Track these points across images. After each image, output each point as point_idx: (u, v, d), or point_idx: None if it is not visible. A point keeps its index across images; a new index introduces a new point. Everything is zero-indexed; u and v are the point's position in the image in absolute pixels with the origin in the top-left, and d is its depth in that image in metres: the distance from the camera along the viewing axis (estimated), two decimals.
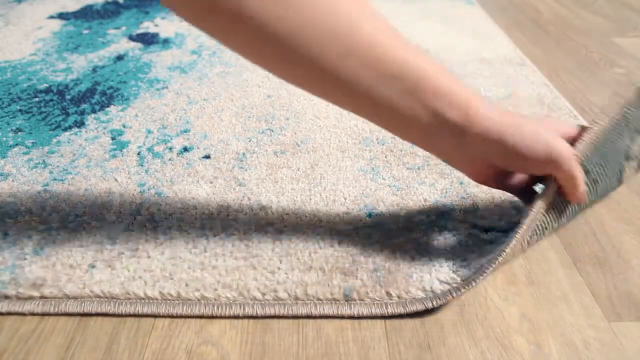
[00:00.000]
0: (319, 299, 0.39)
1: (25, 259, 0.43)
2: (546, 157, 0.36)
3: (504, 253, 0.38)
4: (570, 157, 0.36)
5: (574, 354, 0.36)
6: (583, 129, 0.40)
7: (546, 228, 0.41)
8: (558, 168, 0.36)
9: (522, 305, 0.39)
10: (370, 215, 0.47)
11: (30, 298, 0.40)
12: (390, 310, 0.38)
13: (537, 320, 0.38)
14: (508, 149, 0.36)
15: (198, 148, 0.58)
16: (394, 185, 0.51)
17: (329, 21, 0.32)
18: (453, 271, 0.40)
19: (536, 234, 0.41)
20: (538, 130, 0.36)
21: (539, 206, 0.38)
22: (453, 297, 0.38)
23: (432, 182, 0.52)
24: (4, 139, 0.60)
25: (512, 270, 0.42)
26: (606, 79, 0.75)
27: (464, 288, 0.38)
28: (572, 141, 0.39)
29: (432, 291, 0.39)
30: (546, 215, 0.40)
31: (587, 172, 0.39)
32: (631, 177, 0.46)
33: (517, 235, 0.38)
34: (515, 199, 0.47)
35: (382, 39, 0.34)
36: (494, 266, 0.38)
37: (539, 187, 0.42)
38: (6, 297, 0.40)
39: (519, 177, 0.42)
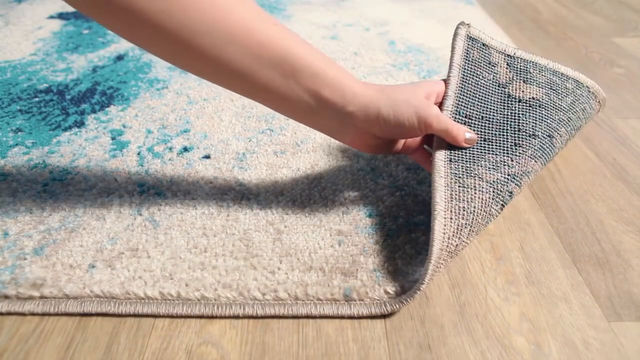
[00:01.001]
0: (319, 299, 0.39)
1: (25, 259, 0.43)
2: (418, 122, 0.40)
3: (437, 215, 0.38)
4: (437, 115, 0.40)
5: (574, 354, 0.36)
6: (445, 82, 0.45)
7: (469, 173, 0.41)
8: (431, 127, 0.41)
9: (522, 305, 0.39)
10: (370, 215, 0.47)
11: (30, 298, 0.40)
12: (390, 309, 0.38)
13: (537, 320, 0.38)
14: (384, 120, 0.40)
15: (198, 148, 0.58)
16: (394, 185, 0.51)
17: (209, 13, 0.35)
18: None
19: (467, 184, 0.40)
20: (408, 98, 0.40)
21: (437, 159, 0.41)
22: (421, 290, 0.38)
23: (432, 181, 0.52)
24: (4, 139, 0.60)
25: (512, 270, 0.42)
26: (606, 79, 0.75)
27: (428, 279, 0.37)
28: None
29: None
30: (451, 164, 0.41)
31: (467, 115, 0.44)
32: (521, 92, 0.46)
33: (434, 192, 0.39)
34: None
35: (260, 26, 0.37)
36: (436, 238, 0.37)
37: (427, 147, 0.46)
38: (6, 297, 0.40)
39: (410, 141, 0.47)
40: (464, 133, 0.42)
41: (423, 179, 0.52)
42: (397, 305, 0.38)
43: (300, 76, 0.38)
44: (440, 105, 0.44)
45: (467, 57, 0.46)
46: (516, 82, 0.46)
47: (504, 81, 0.46)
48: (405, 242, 0.44)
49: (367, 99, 0.40)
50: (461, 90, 0.45)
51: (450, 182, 0.40)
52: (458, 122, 0.43)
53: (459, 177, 0.40)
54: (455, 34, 0.47)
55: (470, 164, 0.41)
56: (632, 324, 0.38)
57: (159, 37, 0.35)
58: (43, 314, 0.39)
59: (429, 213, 0.47)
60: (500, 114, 0.44)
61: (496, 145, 0.42)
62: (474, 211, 0.38)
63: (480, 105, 0.45)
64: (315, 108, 0.40)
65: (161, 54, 0.38)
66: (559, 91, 0.46)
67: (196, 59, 0.37)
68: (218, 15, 0.35)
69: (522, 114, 0.44)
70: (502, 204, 0.39)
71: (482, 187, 0.39)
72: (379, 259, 0.42)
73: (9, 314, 0.39)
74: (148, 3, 0.33)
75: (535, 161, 0.41)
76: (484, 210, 0.39)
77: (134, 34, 0.36)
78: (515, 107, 0.44)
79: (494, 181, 0.40)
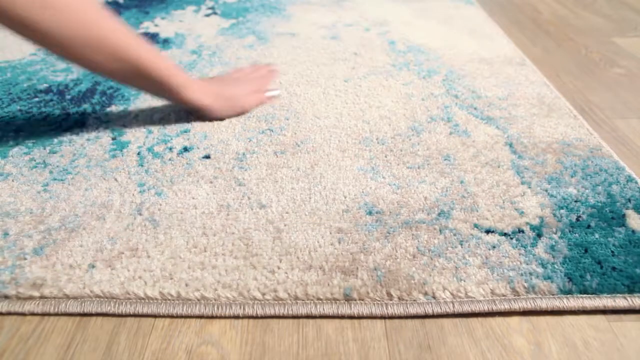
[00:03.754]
0: (319, 299, 0.39)
1: (25, 259, 0.43)
2: (242, 113, 0.65)
3: None
4: (252, 107, 0.65)
5: (574, 354, 0.36)
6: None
7: None
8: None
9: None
10: (370, 213, 0.47)
11: (30, 298, 0.40)
12: (391, 311, 0.38)
13: (537, 320, 0.38)
14: (215, 112, 0.62)
15: (198, 148, 0.58)
16: (394, 184, 0.51)
17: (80, 27, 0.47)
18: (457, 279, 0.40)
19: None
20: (233, 95, 0.64)
21: None
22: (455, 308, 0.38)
23: (432, 180, 0.52)
24: (4, 139, 0.60)
25: None
26: (606, 79, 0.75)
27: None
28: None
29: (434, 297, 0.39)
30: None
31: None
32: None
33: None
34: (516, 199, 0.47)
35: (123, 41, 0.51)
36: None
37: None
38: (6, 297, 0.40)
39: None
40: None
41: (424, 177, 0.52)
42: (400, 308, 0.38)
43: (157, 79, 0.56)
44: None
45: None
46: None
47: None
48: (405, 241, 0.44)
49: (198, 95, 0.60)
50: None
51: None
52: None
53: None
54: None
55: None
56: (632, 324, 0.38)
57: (41, 38, 0.47)
58: (43, 314, 0.39)
59: (429, 212, 0.47)
60: None
61: None
62: None
63: None
64: (172, 97, 0.60)
65: (52, 51, 0.49)
66: None
67: (77, 60, 0.50)
68: (90, 36, 0.49)
69: None
70: None
71: None
72: (380, 257, 0.42)
73: (9, 314, 0.39)
74: (25, 13, 0.43)
75: None
76: None
77: (26, 37, 0.47)
78: None
79: None
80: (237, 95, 0.64)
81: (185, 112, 0.65)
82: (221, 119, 0.63)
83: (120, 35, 0.51)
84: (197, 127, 0.62)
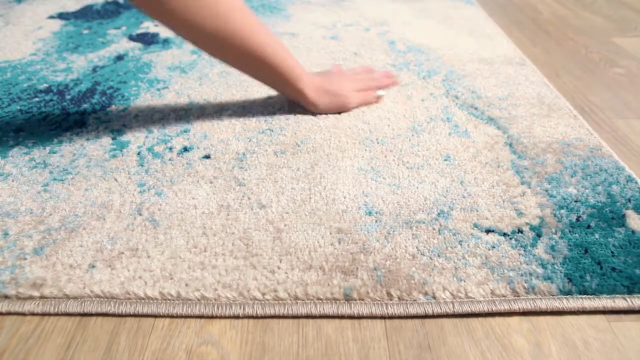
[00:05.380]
0: (319, 299, 0.39)
1: (25, 259, 0.43)
2: (344, 110, 0.65)
3: None
4: (353, 105, 0.65)
5: (574, 354, 0.36)
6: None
7: None
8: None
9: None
10: (370, 213, 0.47)
11: (30, 298, 0.40)
12: (391, 311, 0.38)
13: (537, 320, 0.38)
14: (319, 107, 0.64)
15: (198, 148, 0.58)
16: (394, 184, 0.51)
17: (211, 21, 0.52)
18: (457, 279, 0.40)
19: None
20: (338, 91, 0.64)
21: None
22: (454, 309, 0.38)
23: (432, 181, 0.52)
24: (5, 139, 0.60)
25: None
26: (606, 79, 0.75)
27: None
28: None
29: (434, 297, 0.39)
30: None
31: None
32: None
33: None
34: (516, 199, 0.48)
35: (269, 48, 0.57)
36: None
37: None
38: (6, 297, 0.40)
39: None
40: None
41: (424, 178, 0.52)
42: (400, 308, 0.38)
43: (283, 74, 0.60)
44: None
45: None
46: None
47: None
48: (405, 241, 0.44)
49: (312, 93, 0.62)
50: None
51: None
52: None
53: None
54: None
55: None
56: (632, 324, 0.38)
57: (207, 38, 0.54)
58: (43, 314, 0.39)
59: (430, 211, 0.47)
60: None
61: None
62: None
63: None
64: (292, 92, 0.63)
65: (208, 49, 0.57)
66: None
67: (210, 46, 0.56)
68: (243, 44, 0.55)
69: None
70: None
71: None
72: (380, 257, 0.42)
73: (9, 314, 0.39)
74: (197, 16, 0.51)
75: None
76: None
77: (190, 37, 0.54)
78: None
79: None
80: (342, 91, 0.64)
81: (185, 111, 0.65)
82: (324, 113, 0.64)
83: (249, 30, 0.54)
84: (197, 127, 0.62)
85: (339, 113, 0.64)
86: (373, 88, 0.67)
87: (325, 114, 0.64)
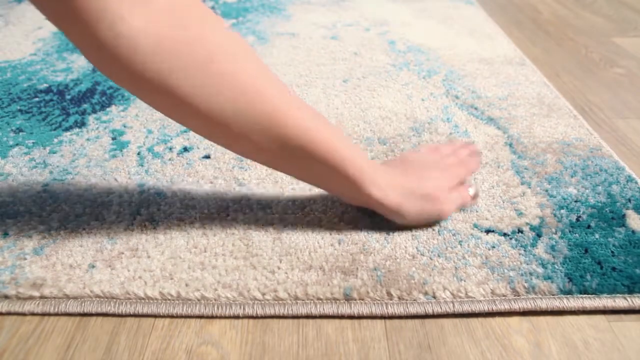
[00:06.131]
0: (319, 299, 0.39)
1: (25, 259, 0.43)
2: (438, 220, 0.45)
3: None
4: (451, 212, 0.45)
5: (574, 354, 0.36)
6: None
7: None
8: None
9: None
10: (369, 213, 0.47)
11: (30, 298, 0.40)
12: (391, 311, 0.38)
13: (537, 320, 0.38)
14: (406, 217, 0.44)
15: (198, 148, 0.58)
16: None
17: (241, 99, 0.35)
18: (458, 279, 0.40)
19: None
20: (431, 194, 0.43)
21: None
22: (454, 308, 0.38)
23: None
24: (4, 139, 0.60)
25: None
26: (606, 79, 0.75)
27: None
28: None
29: (434, 297, 0.39)
30: None
31: None
32: None
33: None
34: (516, 199, 0.48)
35: (311, 131, 0.38)
36: None
37: None
38: (6, 297, 0.40)
39: None
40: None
41: None
42: (400, 308, 0.38)
43: (338, 173, 0.41)
44: None
45: None
46: None
47: None
48: (405, 241, 0.44)
49: (382, 194, 0.42)
50: None
51: None
52: None
53: None
54: None
55: None
56: (632, 324, 0.38)
57: (195, 117, 0.36)
58: (43, 314, 0.39)
59: None
60: None
61: None
62: None
63: None
64: (350, 193, 0.44)
65: (199, 131, 0.39)
66: None
67: (226, 136, 0.38)
68: (248, 101, 0.35)
69: None
70: None
71: None
72: (380, 257, 0.42)
73: (9, 314, 0.39)
74: (183, 82, 0.33)
75: None
76: None
77: (170, 113, 0.37)
78: None
79: None
80: (436, 192, 0.44)
81: None
82: (412, 225, 0.45)
83: (286, 109, 0.37)
84: None
85: (431, 222, 0.46)
86: (462, 177, 0.48)
87: (415, 226, 0.45)
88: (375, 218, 0.46)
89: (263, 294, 0.39)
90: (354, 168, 0.40)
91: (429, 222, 0.45)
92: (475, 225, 0.46)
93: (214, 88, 0.34)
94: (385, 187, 0.42)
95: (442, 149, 0.51)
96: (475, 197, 0.47)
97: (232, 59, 0.35)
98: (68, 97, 0.70)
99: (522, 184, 0.51)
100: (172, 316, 0.39)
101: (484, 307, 0.38)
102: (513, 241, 0.44)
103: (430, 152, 0.50)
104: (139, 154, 0.57)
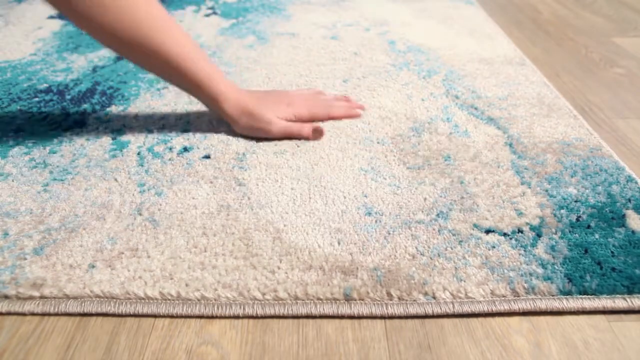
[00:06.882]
0: (319, 299, 0.39)
1: (25, 259, 0.43)
2: (267, 137, 0.59)
3: None
4: (276, 134, 0.59)
5: (574, 354, 0.36)
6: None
7: None
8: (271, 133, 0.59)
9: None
10: (369, 214, 0.47)
11: (30, 298, 0.40)
12: (391, 311, 0.38)
13: (537, 320, 0.38)
14: (238, 128, 0.59)
15: (198, 148, 0.58)
16: (394, 185, 0.51)
17: (127, 27, 0.50)
18: (457, 279, 0.40)
19: None
20: (261, 114, 0.58)
21: None
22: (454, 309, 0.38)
23: (432, 181, 0.52)
24: (4, 139, 0.60)
25: None
26: (606, 79, 0.75)
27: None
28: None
29: (434, 297, 0.39)
30: None
31: None
32: None
33: None
34: (516, 199, 0.47)
35: (187, 59, 0.54)
36: None
37: None
38: (6, 297, 0.40)
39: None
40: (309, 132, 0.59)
41: (424, 178, 0.52)
42: (400, 308, 0.38)
43: (202, 87, 0.56)
44: None
45: None
46: None
47: None
48: (405, 241, 0.44)
49: (234, 111, 0.58)
50: None
51: None
52: None
53: None
54: None
55: None
56: (632, 324, 0.38)
57: (116, 41, 0.51)
58: (43, 314, 0.39)
59: (429, 211, 0.47)
60: None
61: None
62: None
63: None
64: (212, 104, 0.59)
65: (120, 53, 0.54)
66: None
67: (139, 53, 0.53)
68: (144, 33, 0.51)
69: None
70: None
71: None
72: (379, 257, 0.42)
73: (9, 314, 0.39)
74: (102, 16, 0.48)
75: None
76: None
77: (99, 39, 0.52)
78: None
79: None
80: (266, 115, 0.58)
81: (185, 110, 0.65)
82: (245, 134, 0.59)
83: (168, 39, 0.52)
84: (197, 127, 0.62)
85: (263, 137, 0.59)
86: (322, 117, 0.62)
87: (247, 135, 0.59)
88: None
89: (263, 294, 0.39)
90: (215, 88, 0.56)
91: (260, 136, 0.59)
92: (475, 225, 0.46)
93: (123, 23, 0.50)
94: (233, 104, 0.57)
95: (324, 93, 0.66)
96: (314, 133, 0.59)
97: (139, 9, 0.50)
98: (68, 97, 0.70)
99: (522, 184, 0.51)
100: (172, 316, 0.39)
101: (484, 308, 0.38)
102: (513, 241, 0.44)
103: (311, 91, 0.66)
104: (139, 154, 0.57)
